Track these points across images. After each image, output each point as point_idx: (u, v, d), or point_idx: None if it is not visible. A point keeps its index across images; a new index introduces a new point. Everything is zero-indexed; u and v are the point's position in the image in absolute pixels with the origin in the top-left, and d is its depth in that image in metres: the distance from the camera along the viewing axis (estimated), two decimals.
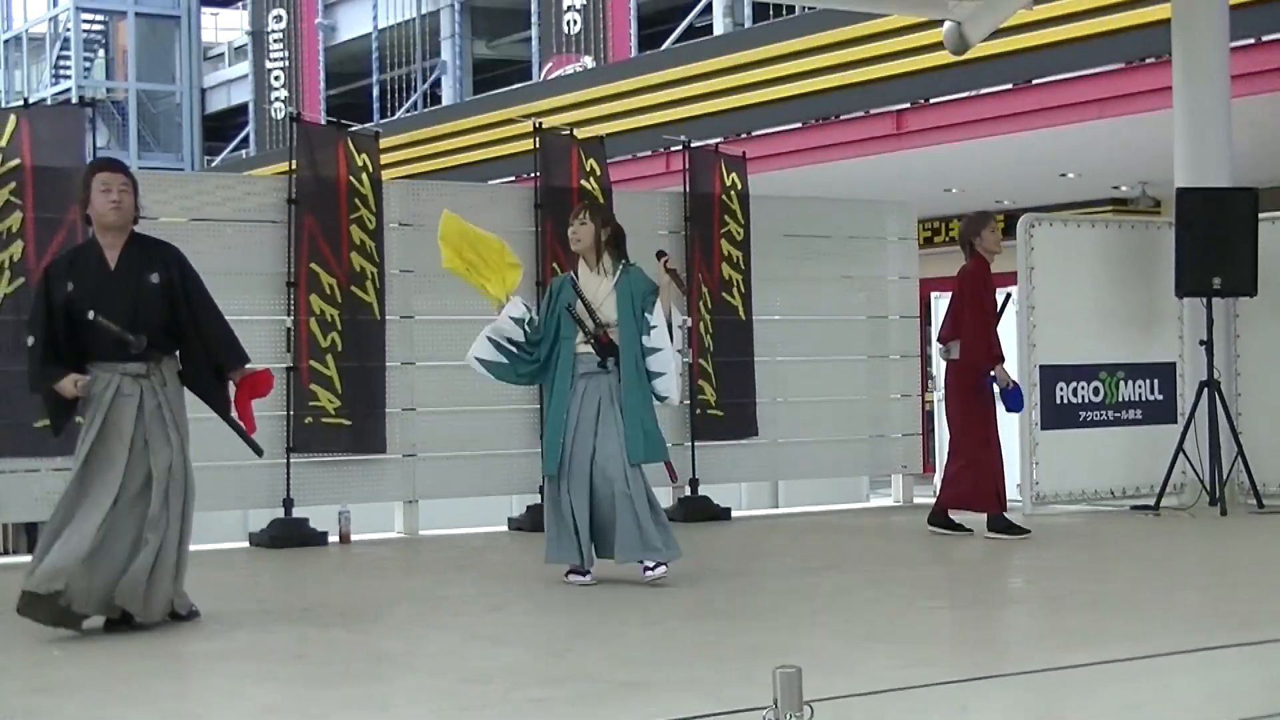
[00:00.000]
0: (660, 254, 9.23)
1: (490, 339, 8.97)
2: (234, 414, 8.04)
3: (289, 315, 11.38)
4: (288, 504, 11.37)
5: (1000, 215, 20.11)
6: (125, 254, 7.79)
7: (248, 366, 8.04)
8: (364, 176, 11.64)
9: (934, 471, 15.41)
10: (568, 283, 9.02)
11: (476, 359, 9.00)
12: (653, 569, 8.78)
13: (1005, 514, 11.10)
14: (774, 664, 4.72)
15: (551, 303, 9.00)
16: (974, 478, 11.10)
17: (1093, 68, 16.67)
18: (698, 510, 12.68)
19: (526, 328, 8.94)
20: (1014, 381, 11.15)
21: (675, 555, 8.84)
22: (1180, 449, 12.41)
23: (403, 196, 12.16)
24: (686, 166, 13.25)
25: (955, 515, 11.29)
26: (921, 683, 6.05)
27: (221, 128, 46.16)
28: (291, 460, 11.37)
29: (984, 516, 11.12)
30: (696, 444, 12.77)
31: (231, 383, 7.97)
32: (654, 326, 8.95)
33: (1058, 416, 12.77)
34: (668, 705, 5.67)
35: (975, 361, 11.08)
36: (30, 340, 7.71)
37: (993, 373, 11.03)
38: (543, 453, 9.15)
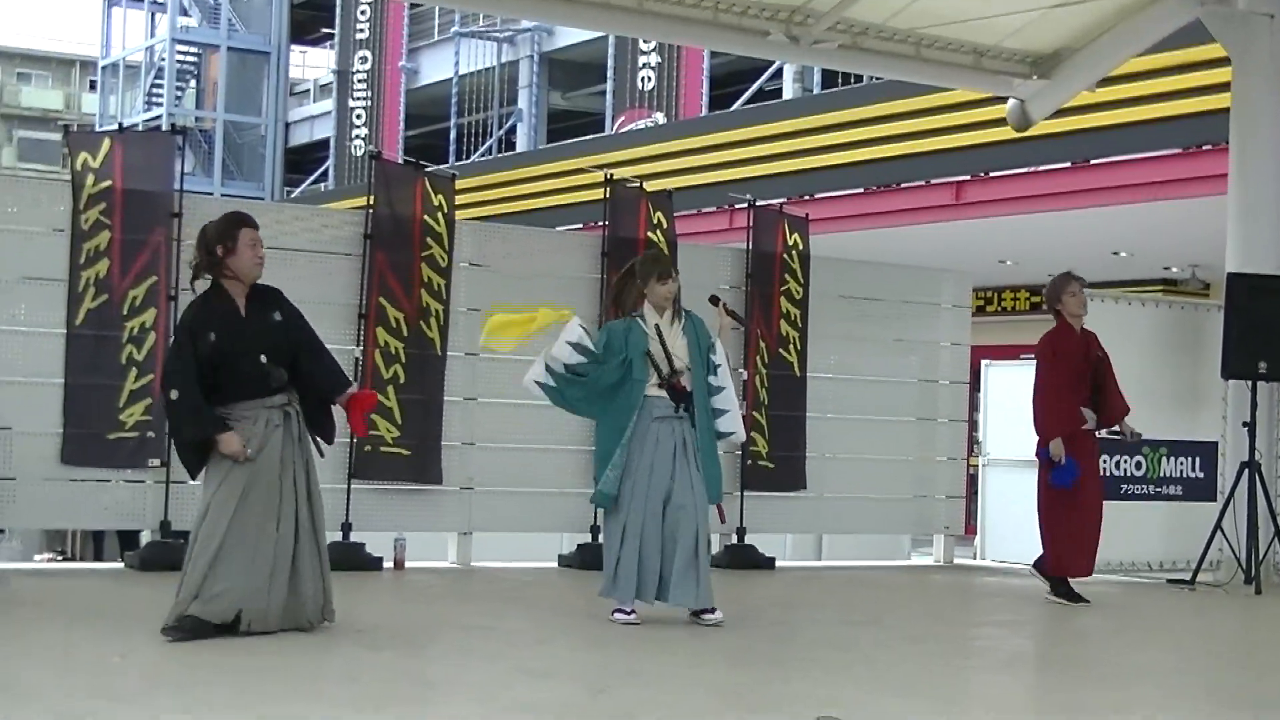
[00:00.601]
0: (715, 299, 9.57)
1: (547, 365, 9.17)
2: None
3: (358, 346, 11.74)
4: (346, 528, 11.66)
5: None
6: (250, 299, 8.19)
7: (350, 390, 8.46)
8: (439, 216, 11.97)
9: (975, 533, 15.60)
10: (638, 326, 9.17)
11: (535, 382, 9.20)
12: (710, 613, 9.05)
13: (1067, 580, 11.23)
14: (811, 712, 4.66)
15: (621, 340, 9.12)
16: (1044, 543, 11.32)
17: (1151, 151, 16.88)
18: (743, 558, 12.92)
19: (581, 354, 9.12)
20: (1063, 457, 11.09)
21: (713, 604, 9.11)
22: (1219, 526, 12.55)
23: (475, 237, 12.49)
24: (750, 224, 13.56)
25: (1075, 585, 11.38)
26: None
27: (302, 161, 46.84)
28: (352, 486, 11.69)
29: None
30: (745, 493, 13.02)
31: (340, 405, 8.38)
32: (718, 365, 9.26)
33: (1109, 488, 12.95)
34: None
35: (1038, 432, 11.25)
36: (175, 394, 8.01)
37: (1051, 448, 11.13)
38: (597, 483, 9.25)
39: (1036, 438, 11.25)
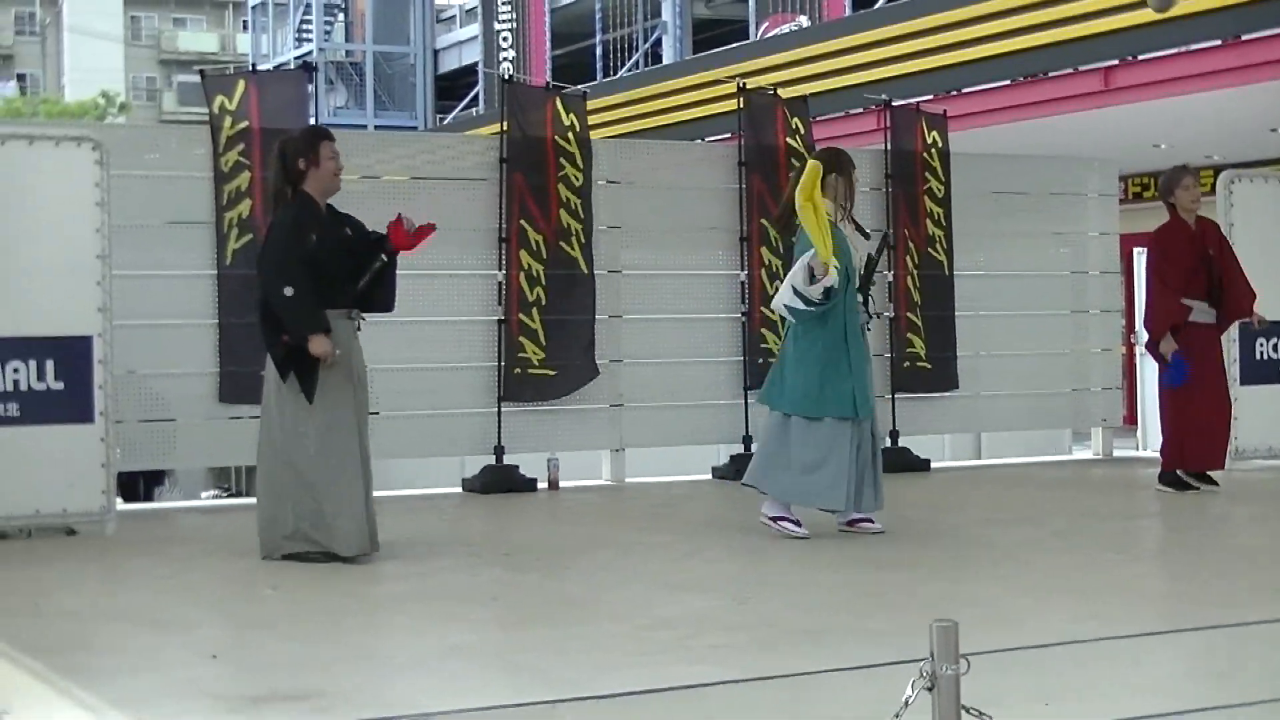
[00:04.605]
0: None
1: (796, 291, 8.93)
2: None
3: (500, 270, 11.84)
4: (499, 451, 11.81)
5: (1209, 170, 19.98)
6: (330, 211, 8.34)
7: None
8: (570, 135, 12.02)
9: (1136, 424, 15.43)
10: (840, 233, 9.02)
11: (785, 306, 9.02)
12: (869, 522, 9.08)
13: (1178, 471, 11.04)
14: (950, 615, 4.68)
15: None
16: (1164, 437, 11.19)
17: None
18: (897, 461, 12.80)
19: (826, 298, 8.89)
20: (1174, 354, 10.86)
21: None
22: None
23: (610, 155, 12.55)
24: (888, 125, 13.47)
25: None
26: (1090, 637, 6.11)
27: (454, 87, 46.90)
28: (503, 409, 11.82)
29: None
30: (898, 395, 12.99)
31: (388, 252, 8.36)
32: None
33: (1257, 371, 12.74)
34: (837, 654, 5.81)
35: (1147, 330, 11.19)
36: (290, 290, 7.97)
37: (1160, 346, 10.97)
38: (806, 393, 8.96)
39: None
